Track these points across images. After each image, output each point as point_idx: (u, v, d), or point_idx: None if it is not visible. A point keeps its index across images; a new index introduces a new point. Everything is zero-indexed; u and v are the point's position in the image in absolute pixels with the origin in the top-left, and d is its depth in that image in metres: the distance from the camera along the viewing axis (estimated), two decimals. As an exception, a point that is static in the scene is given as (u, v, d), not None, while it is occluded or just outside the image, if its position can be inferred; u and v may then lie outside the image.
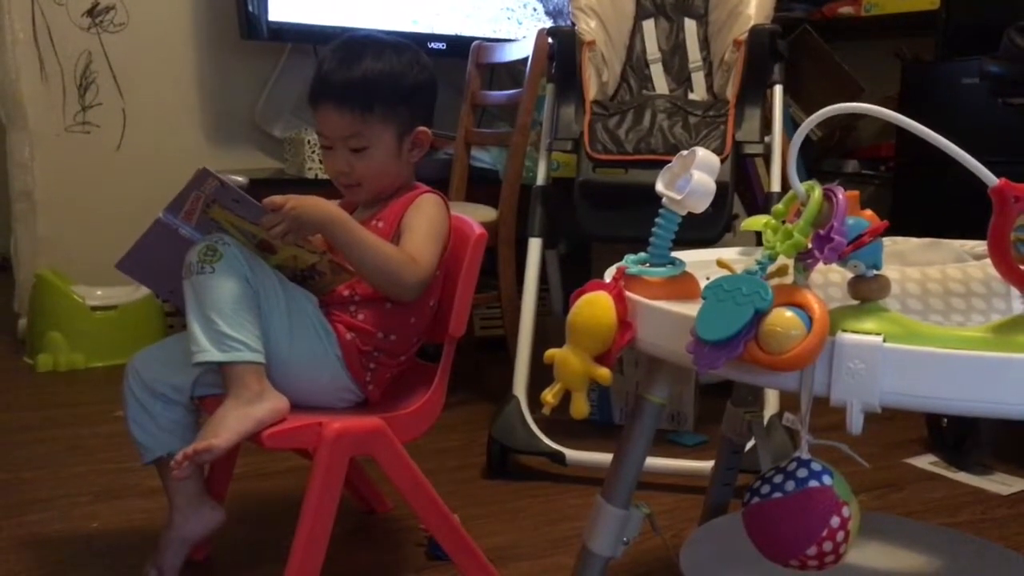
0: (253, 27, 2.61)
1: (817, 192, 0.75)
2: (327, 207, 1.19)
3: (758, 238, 1.84)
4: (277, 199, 1.14)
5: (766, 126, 1.86)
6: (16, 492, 1.65)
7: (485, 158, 2.60)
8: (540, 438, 1.75)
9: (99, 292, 2.50)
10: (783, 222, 0.80)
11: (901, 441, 1.95)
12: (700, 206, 0.91)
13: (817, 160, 3.03)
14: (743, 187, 2.26)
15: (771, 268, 0.78)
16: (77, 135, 2.69)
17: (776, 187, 1.83)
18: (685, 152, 0.94)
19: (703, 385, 2.10)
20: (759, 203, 2.36)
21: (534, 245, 1.91)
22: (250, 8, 2.58)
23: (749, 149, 1.80)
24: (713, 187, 0.91)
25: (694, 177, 0.90)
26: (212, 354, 1.13)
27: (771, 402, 1.68)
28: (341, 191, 1.34)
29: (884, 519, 1.26)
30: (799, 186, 0.77)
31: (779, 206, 0.80)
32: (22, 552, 1.42)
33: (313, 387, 1.23)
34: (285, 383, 1.19)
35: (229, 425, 1.11)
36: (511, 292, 2.17)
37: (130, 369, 1.27)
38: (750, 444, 1.34)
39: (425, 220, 1.27)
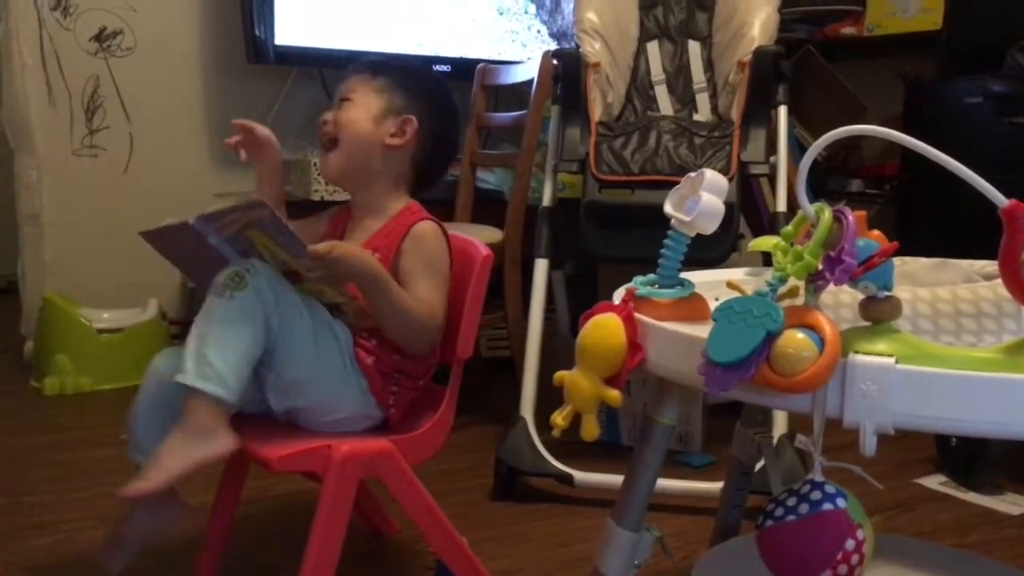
0: (260, 51, 2.63)
1: (827, 213, 0.75)
2: (369, 261, 1.19)
3: (764, 258, 1.85)
4: (321, 247, 1.13)
5: (770, 146, 1.87)
6: (22, 516, 1.64)
7: (490, 179, 2.61)
8: (548, 460, 1.74)
9: (105, 315, 2.50)
10: (792, 244, 0.80)
11: (910, 461, 1.94)
12: (709, 227, 0.91)
13: (821, 179, 3.04)
14: (748, 207, 2.26)
15: (782, 290, 0.78)
16: (84, 159, 2.71)
17: (782, 207, 1.83)
18: (693, 174, 0.94)
19: (710, 405, 2.09)
20: (764, 223, 2.37)
21: (540, 266, 1.91)
22: (257, 32, 2.61)
23: (754, 169, 1.81)
24: (722, 208, 0.91)
25: (703, 198, 0.91)
26: (187, 377, 1.11)
27: (780, 423, 1.67)
28: (321, 158, 1.34)
29: (895, 540, 1.25)
30: (809, 208, 0.77)
31: (788, 228, 0.80)
32: (30, 574, 1.41)
33: (336, 412, 1.23)
34: (308, 410, 1.20)
35: (165, 464, 1.09)
36: (517, 313, 2.17)
37: (153, 367, 1.24)
38: (759, 465, 1.34)
39: (429, 262, 1.27)
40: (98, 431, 2.08)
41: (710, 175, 0.92)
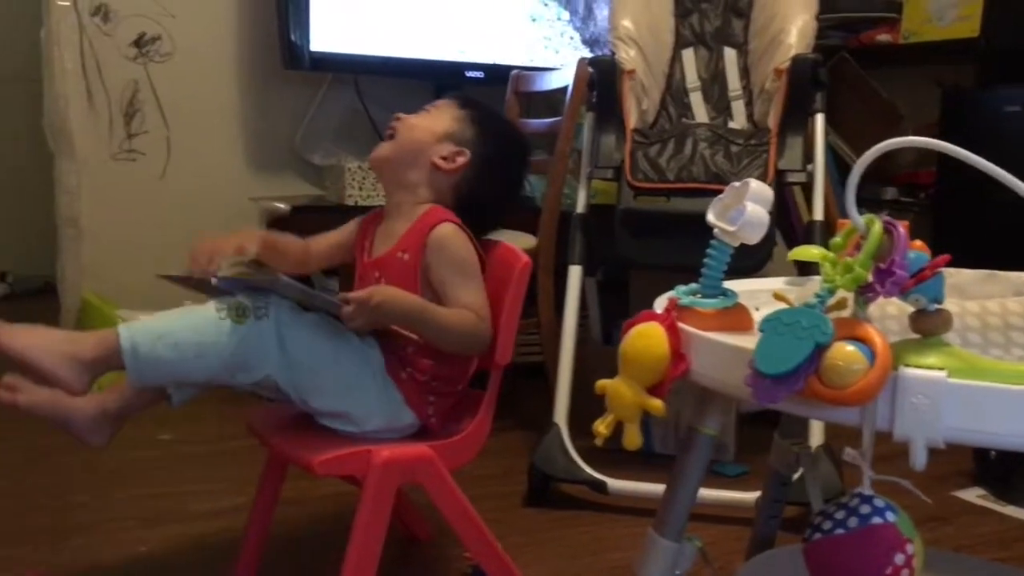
0: (296, 57, 2.65)
1: (877, 225, 0.75)
2: (408, 300, 1.20)
3: (799, 268, 1.84)
4: (361, 295, 1.15)
5: (807, 155, 1.86)
6: (63, 516, 1.67)
7: (522, 185, 2.61)
8: (581, 467, 1.74)
9: (142, 317, 2.53)
10: (839, 255, 0.80)
11: (948, 474, 1.92)
12: (754, 237, 0.91)
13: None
14: (780, 216, 2.25)
15: (830, 302, 0.77)
16: (123, 163, 2.74)
17: (818, 216, 1.82)
18: (737, 183, 0.94)
19: (743, 415, 2.08)
20: (796, 232, 2.35)
21: (574, 272, 1.91)
22: (293, 38, 2.63)
23: (792, 178, 1.80)
24: (767, 219, 0.91)
25: (748, 208, 0.90)
26: (129, 329, 1.12)
27: (816, 434, 1.66)
28: (377, 146, 1.36)
29: (938, 554, 1.23)
30: (859, 219, 0.76)
31: (837, 239, 0.80)
32: (74, 573, 1.43)
33: (373, 425, 1.23)
34: (346, 425, 1.21)
35: (29, 335, 1.11)
36: (550, 319, 2.17)
37: None
38: (796, 476, 1.33)
39: (459, 266, 1.27)
40: (135, 431, 2.07)
41: (755, 185, 0.92)
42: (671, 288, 1.00)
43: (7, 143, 3.71)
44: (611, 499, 1.72)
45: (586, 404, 2.02)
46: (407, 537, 1.58)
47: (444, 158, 1.33)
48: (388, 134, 1.37)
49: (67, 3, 2.63)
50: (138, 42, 2.74)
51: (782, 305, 0.88)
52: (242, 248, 1.23)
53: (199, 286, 1.24)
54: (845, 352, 0.71)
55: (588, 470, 1.74)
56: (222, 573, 1.42)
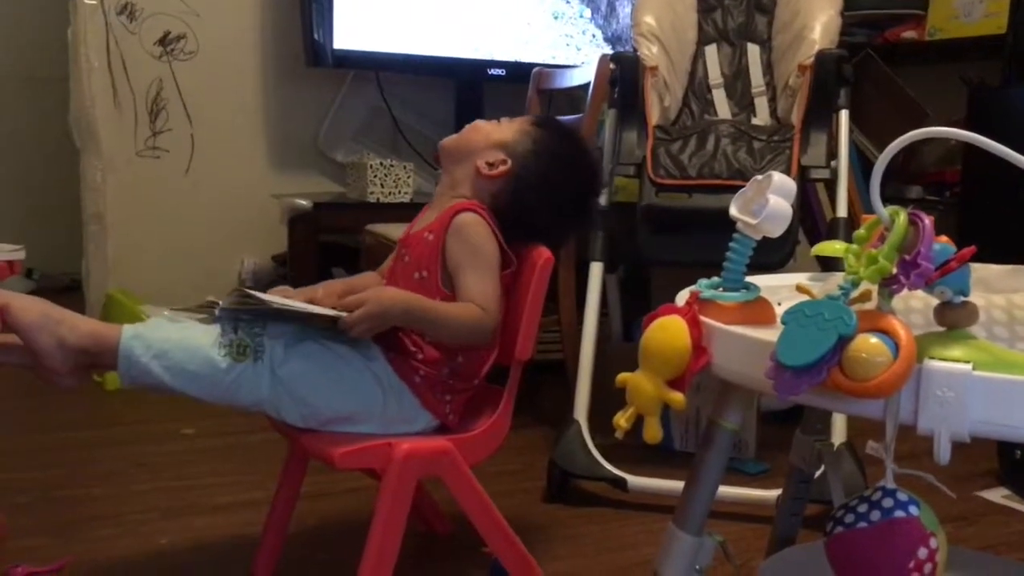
0: (318, 55, 2.67)
1: (903, 217, 0.74)
2: (403, 297, 1.21)
3: (822, 264, 1.83)
4: (355, 315, 1.15)
5: (830, 151, 1.85)
6: (86, 508, 1.68)
7: (543, 183, 2.61)
8: (601, 463, 1.74)
9: (167, 312, 2.55)
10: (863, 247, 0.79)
11: (972, 474, 1.90)
12: (776, 231, 0.90)
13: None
14: (803, 214, 2.24)
15: (854, 294, 0.76)
16: (147, 160, 2.77)
17: (842, 212, 1.81)
18: (760, 176, 0.93)
19: (764, 412, 2.07)
20: (819, 228, 2.34)
21: (595, 269, 1.91)
22: (316, 36, 2.65)
23: (815, 174, 1.79)
24: (789, 212, 0.90)
25: (770, 201, 0.90)
26: (134, 330, 1.14)
27: (839, 431, 1.65)
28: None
29: (963, 553, 1.22)
30: (883, 211, 0.76)
31: (861, 231, 0.79)
32: (94, 568, 1.45)
33: (393, 430, 1.24)
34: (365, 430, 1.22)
35: (26, 300, 1.12)
36: (571, 316, 2.16)
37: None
38: (818, 473, 1.32)
39: (473, 252, 1.27)
40: (159, 426, 2.13)
41: (778, 178, 0.91)
42: (693, 284, 1.00)
43: (34, 140, 3.76)
44: (631, 496, 1.72)
45: (606, 401, 2.02)
46: (426, 531, 1.58)
47: (489, 163, 1.35)
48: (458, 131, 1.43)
49: (94, 2, 2.66)
50: (163, 40, 2.76)
51: (805, 299, 0.88)
52: (314, 299, 1.27)
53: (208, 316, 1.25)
54: (869, 344, 0.71)
55: (608, 467, 1.73)
56: (242, 566, 1.43)
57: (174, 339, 1.16)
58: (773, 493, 1.61)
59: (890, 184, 3.01)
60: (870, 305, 0.78)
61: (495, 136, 1.38)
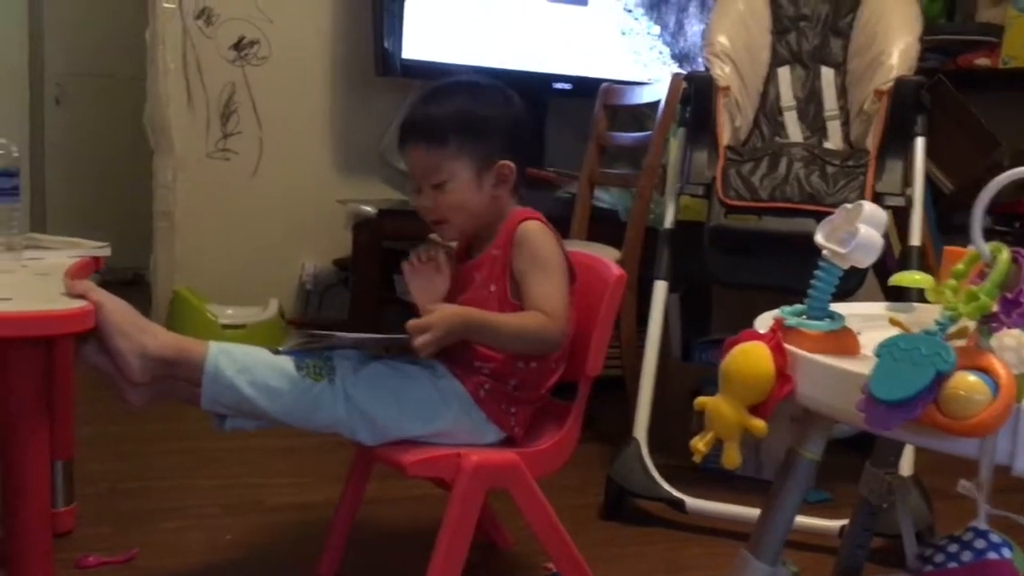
0: (388, 64, 2.70)
1: (1005, 254, 0.73)
2: (464, 313, 1.21)
3: (886, 293, 1.79)
4: (420, 323, 1.16)
5: (904, 178, 1.82)
6: (152, 500, 1.72)
7: (604, 198, 2.61)
8: (660, 483, 1.73)
9: (230, 311, 2.61)
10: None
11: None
12: (866, 261, 0.90)
13: (945, 215, 2.93)
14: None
15: (951, 329, 0.76)
16: (217, 161, 2.83)
17: (916, 241, 1.78)
18: (849, 205, 0.92)
19: (830, 441, 2.04)
20: (886, 257, 2.30)
21: (659, 288, 1.90)
22: (386, 46, 2.68)
23: (890, 201, 1.77)
24: (881, 242, 0.89)
25: (861, 231, 0.89)
26: (224, 361, 1.16)
27: (907, 464, 1.62)
28: (435, 229, 1.34)
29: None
30: (984, 247, 0.75)
31: (960, 266, 0.78)
32: (162, 560, 1.48)
33: (461, 442, 1.24)
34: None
35: (118, 304, 1.14)
36: (631, 333, 2.16)
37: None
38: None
39: (536, 259, 1.26)
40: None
41: (869, 208, 0.90)
42: (755, 307, 0.99)
43: (110, 137, 3.87)
44: (686, 518, 1.71)
45: (664, 420, 2.02)
46: (487, 543, 1.58)
47: (495, 185, 1.30)
48: (432, 222, 1.32)
49: (172, 5, 2.73)
50: (237, 45, 2.82)
51: (888, 329, 0.87)
52: None
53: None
54: (968, 382, 0.70)
55: (667, 487, 1.72)
56: (304, 566, 1.45)
57: (258, 357, 1.19)
58: (834, 523, 1.59)
59: (958, 213, 2.95)
60: (962, 342, 0.77)
61: (466, 177, 1.28)
